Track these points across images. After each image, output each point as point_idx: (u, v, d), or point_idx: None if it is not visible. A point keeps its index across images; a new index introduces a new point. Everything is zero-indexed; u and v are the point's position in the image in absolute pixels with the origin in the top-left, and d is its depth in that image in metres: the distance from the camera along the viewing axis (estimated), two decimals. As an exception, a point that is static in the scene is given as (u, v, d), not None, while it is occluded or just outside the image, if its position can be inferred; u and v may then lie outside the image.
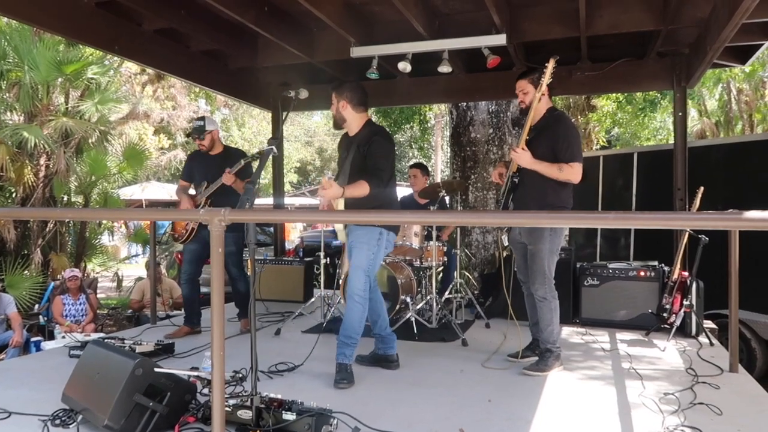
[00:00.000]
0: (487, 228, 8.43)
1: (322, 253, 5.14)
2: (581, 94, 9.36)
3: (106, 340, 3.80)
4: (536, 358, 3.96)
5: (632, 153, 8.32)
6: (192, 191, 4.90)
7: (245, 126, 31.83)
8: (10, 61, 7.60)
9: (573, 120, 11.37)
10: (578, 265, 5.28)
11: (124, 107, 12.35)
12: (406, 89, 6.78)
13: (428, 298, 4.86)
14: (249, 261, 2.66)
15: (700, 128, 14.07)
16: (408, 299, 4.73)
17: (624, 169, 8.31)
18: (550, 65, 3.66)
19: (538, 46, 5.91)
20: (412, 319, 4.62)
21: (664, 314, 4.57)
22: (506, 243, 4.17)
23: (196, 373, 2.72)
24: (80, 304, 7.10)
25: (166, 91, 17.75)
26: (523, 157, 3.67)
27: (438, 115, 19.64)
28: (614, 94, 10.23)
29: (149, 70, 13.94)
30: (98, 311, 7.57)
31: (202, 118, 4.81)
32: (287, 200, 22.51)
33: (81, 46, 8.59)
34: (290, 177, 33.12)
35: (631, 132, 11.30)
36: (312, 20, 5.53)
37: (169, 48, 5.52)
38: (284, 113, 3.44)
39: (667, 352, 4.23)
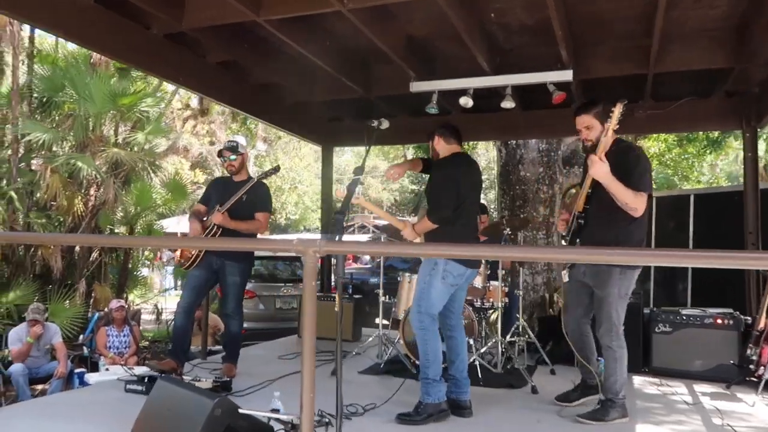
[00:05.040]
0: (536, 269, 8.18)
1: (381, 290, 4.97)
2: (643, 133, 9.09)
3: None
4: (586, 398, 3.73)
5: (688, 195, 8.05)
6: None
7: (278, 161, 32.19)
8: (68, 92, 7.75)
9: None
10: (648, 311, 5.00)
11: (162, 141, 12.55)
12: (460, 125, 6.65)
13: (494, 340, 4.62)
14: (336, 297, 2.51)
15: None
16: (470, 341, 4.51)
17: (677, 211, 8.03)
18: (617, 110, 3.35)
19: (596, 82, 5.77)
20: (477, 363, 4.39)
21: (750, 366, 4.26)
22: (566, 279, 3.92)
23: (276, 416, 2.55)
24: (124, 336, 7.01)
25: (206, 127, 18.06)
26: (602, 168, 3.27)
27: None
28: (662, 135, 10.03)
29: (192, 106, 14.20)
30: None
31: (236, 141, 4.66)
32: (312, 236, 22.46)
33: (132, 79, 8.80)
34: (320, 213, 33.27)
35: (681, 173, 11.04)
36: (371, 54, 5.51)
37: (230, 80, 5.54)
38: (369, 144, 3.40)
39: (757, 408, 3.91)
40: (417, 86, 5.38)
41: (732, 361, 4.47)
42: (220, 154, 4.62)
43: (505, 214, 8.19)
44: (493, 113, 6.37)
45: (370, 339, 5.23)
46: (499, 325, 4.62)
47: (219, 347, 7.26)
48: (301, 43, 4.77)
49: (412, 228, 3.58)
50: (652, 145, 10.78)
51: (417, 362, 4.49)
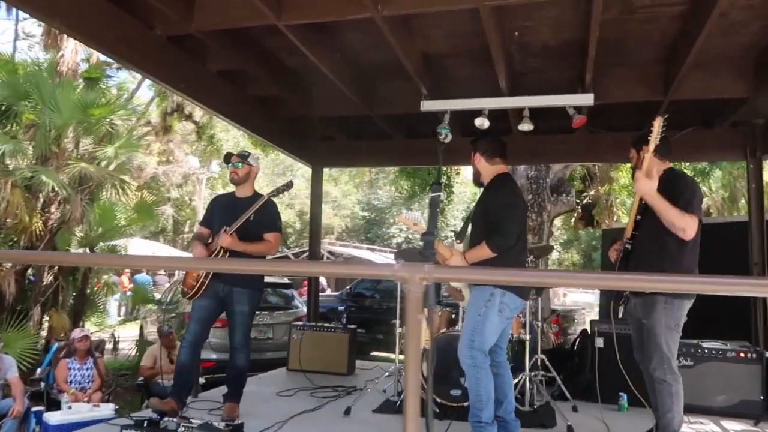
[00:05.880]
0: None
1: (398, 322, 4.59)
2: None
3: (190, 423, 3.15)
4: None
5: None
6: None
7: (229, 186, 31.34)
8: (31, 100, 7.10)
9: (594, 191, 11.24)
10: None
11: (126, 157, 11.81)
12: (458, 149, 6.43)
13: (522, 375, 4.33)
14: (429, 332, 2.16)
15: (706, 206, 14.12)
16: (496, 376, 4.20)
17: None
18: (657, 123, 3.27)
19: (606, 108, 5.68)
20: (503, 399, 4.06)
21: (785, 402, 4.13)
22: (619, 315, 3.72)
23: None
24: (87, 369, 6.33)
25: (162, 146, 17.32)
26: (646, 184, 3.16)
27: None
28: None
29: (153, 122, 13.54)
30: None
31: (249, 152, 4.30)
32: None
33: (101, 90, 8.22)
34: (309, 236, 32.37)
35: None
36: (381, 70, 5.26)
37: (228, 91, 5.16)
38: (441, 161, 3.13)
39: (800, 447, 3.77)
40: (428, 105, 5.12)
41: (762, 397, 4.34)
42: (227, 159, 4.18)
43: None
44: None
45: (387, 374, 4.83)
46: (527, 358, 4.33)
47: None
48: (315, 53, 4.44)
49: (462, 256, 3.28)
50: (623, 175, 10.95)
51: (439, 400, 4.16)
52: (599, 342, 4.91)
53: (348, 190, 34.94)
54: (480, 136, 3.61)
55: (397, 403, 4.28)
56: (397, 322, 4.54)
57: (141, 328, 10.43)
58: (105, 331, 9.68)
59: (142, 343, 9.91)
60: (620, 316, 3.73)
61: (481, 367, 3.11)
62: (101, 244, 8.55)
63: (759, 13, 4.00)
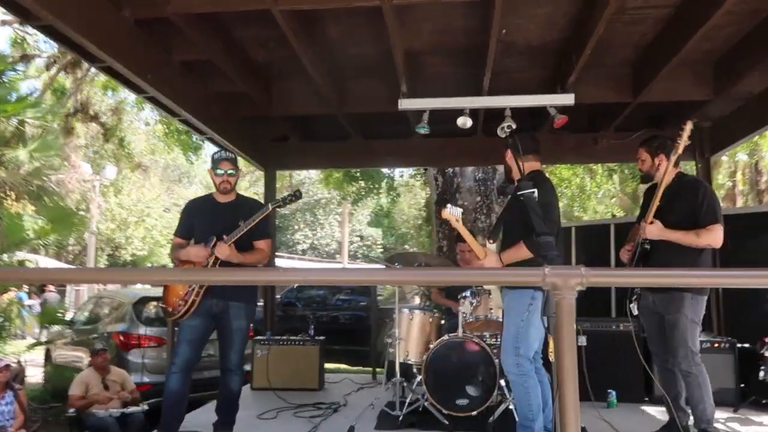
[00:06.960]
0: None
1: (396, 330, 4.29)
2: (605, 162, 9.60)
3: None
4: None
5: (608, 224, 8.41)
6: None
7: (122, 193, 29.38)
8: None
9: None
10: (646, 336, 4.97)
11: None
12: (422, 150, 6.30)
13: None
14: (550, 342, 1.94)
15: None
16: (502, 382, 4.06)
17: (601, 239, 8.34)
18: (687, 129, 3.44)
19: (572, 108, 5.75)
20: (512, 407, 3.93)
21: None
22: (635, 312, 3.73)
23: None
24: (6, 404, 5.52)
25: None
26: (653, 230, 3.43)
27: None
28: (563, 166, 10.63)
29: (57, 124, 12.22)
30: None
31: (225, 150, 3.83)
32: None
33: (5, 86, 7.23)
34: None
35: (578, 206, 11.77)
36: (354, 68, 4.99)
37: (190, 84, 4.66)
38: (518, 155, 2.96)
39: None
40: (407, 104, 4.92)
41: (742, 384, 4.54)
42: (215, 165, 3.67)
43: (443, 244, 7.96)
44: (456, 138, 6.15)
45: (387, 387, 4.52)
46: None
47: (133, 409, 5.94)
48: (300, 45, 4.09)
49: (498, 256, 3.11)
50: (557, 173, 11.35)
51: (446, 412, 3.95)
52: (582, 340, 4.93)
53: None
54: (511, 134, 3.47)
55: (399, 418, 4.00)
56: (396, 331, 4.27)
57: (48, 351, 9.29)
58: (6, 357, 8.53)
59: (53, 369, 8.85)
60: (635, 313, 3.74)
61: (529, 375, 2.96)
62: (5, 258, 7.51)
63: (736, 18, 4.18)
